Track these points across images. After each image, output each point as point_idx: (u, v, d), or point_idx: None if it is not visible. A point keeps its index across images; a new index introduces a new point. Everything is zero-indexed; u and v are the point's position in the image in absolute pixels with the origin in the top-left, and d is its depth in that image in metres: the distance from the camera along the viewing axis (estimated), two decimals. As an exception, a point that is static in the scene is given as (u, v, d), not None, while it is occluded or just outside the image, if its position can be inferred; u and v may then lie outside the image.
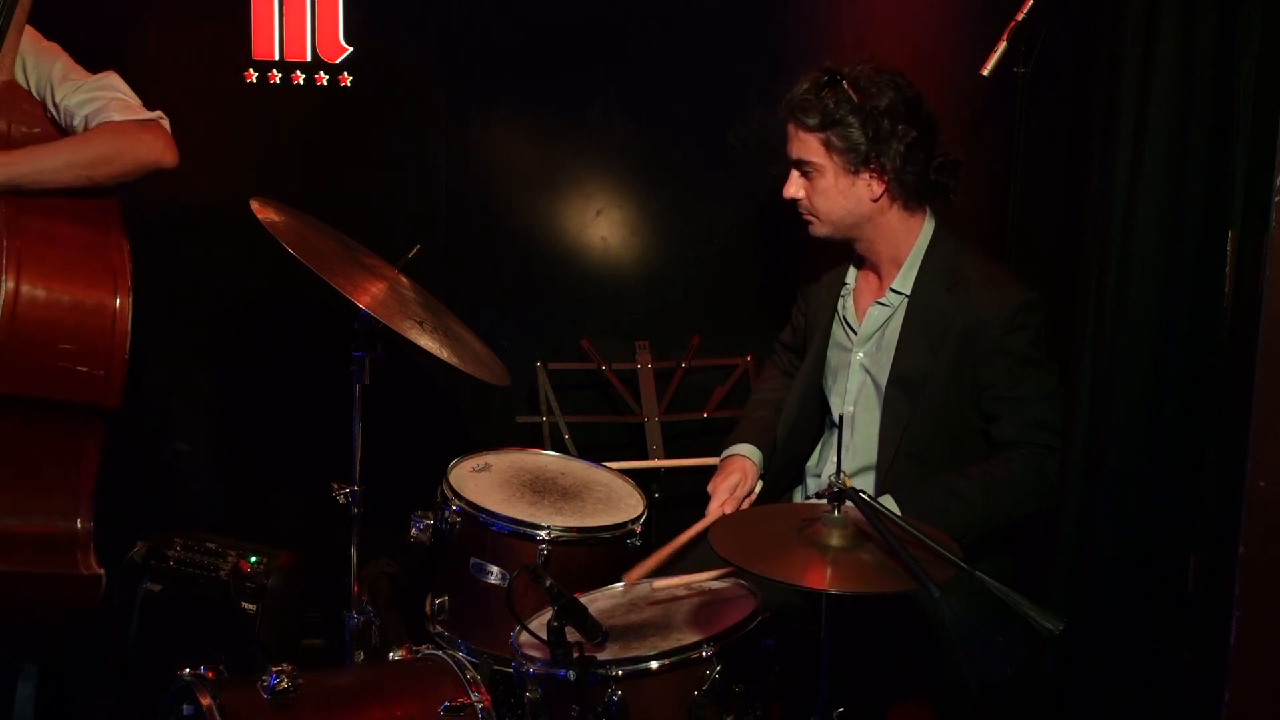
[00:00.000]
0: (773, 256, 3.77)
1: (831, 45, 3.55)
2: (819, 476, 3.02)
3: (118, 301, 2.77)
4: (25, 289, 2.69)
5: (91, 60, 3.57)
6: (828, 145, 2.78)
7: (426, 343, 2.87)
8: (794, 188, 2.86)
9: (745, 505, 2.95)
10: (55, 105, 2.90)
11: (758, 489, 3.02)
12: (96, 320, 2.75)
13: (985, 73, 3.18)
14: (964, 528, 2.47)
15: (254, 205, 2.89)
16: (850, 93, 2.75)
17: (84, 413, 2.79)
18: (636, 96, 3.76)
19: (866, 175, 2.79)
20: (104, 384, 2.76)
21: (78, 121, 2.87)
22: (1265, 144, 2.68)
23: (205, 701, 2.35)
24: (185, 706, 2.40)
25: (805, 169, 2.83)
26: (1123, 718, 3.16)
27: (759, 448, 3.05)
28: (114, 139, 2.84)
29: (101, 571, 2.83)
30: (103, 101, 2.87)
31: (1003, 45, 3.18)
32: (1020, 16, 3.16)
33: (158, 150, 2.88)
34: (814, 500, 2.84)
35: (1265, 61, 2.82)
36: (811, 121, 2.78)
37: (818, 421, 3.05)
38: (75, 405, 2.77)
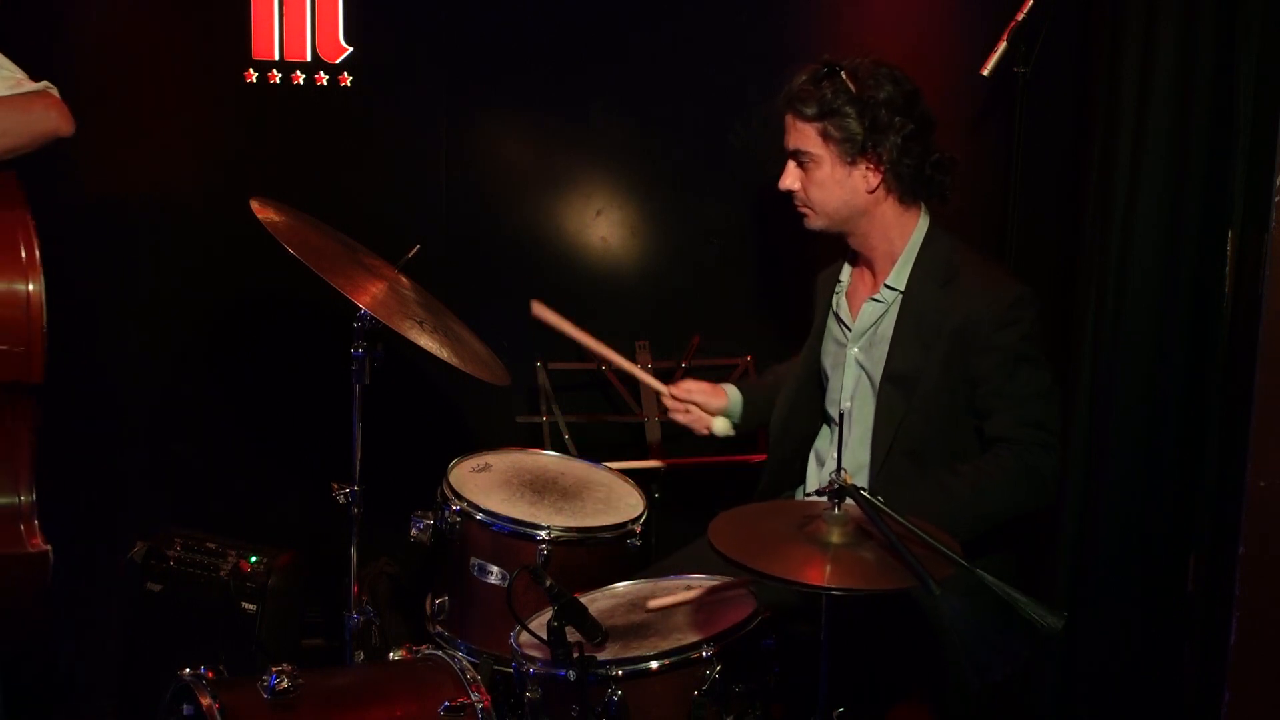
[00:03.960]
0: (773, 256, 3.77)
1: (831, 45, 3.54)
2: (822, 466, 3.03)
3: (29, 279, 2.75)
4: None
5: (92, 60, 3.59)
6: (825, 135, 2.78)
7: (426, 342, 2.87)
8: (790, 179, 2.86)
9: (692, 414, 3.11)
10: None
11: (716, 425, 3.10)
12: (9, 300, 2.73)
13: (985, 73, 3.19)
14: (955, 525, 2.46)
15: (254, 205, 2.89)
16: (849, 83, 2.76)
17: (9, 390, 2.77)
18: (636, 96, 3.76)
19: (863, 166, 2.79)
20: (25, 360, 2.74)
21: None
22: (1265, 144, 2.68)
23: (205, 701, 2.35)
24: (185, 706, 2.39)
25: (802, 159, 2.83)
26: (1123, 717, 3.17)
27: (742, 393, 3.17)
28: (4, 112, 2.81)
29: (48, 548, 2.79)
30: None
31: (1003, 45, 3.18)
32: (1020, 16, 3.17)
33: (52, 120, 2.85)
34: (814, 497, 2.84)
35: (1265, 61, 2.82)
36: (809, 111, 2.78)
37: (813, 418, 3.05)
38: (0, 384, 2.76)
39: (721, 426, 3.11)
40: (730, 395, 3.14)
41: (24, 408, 2.80)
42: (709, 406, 3.11)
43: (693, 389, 3.12)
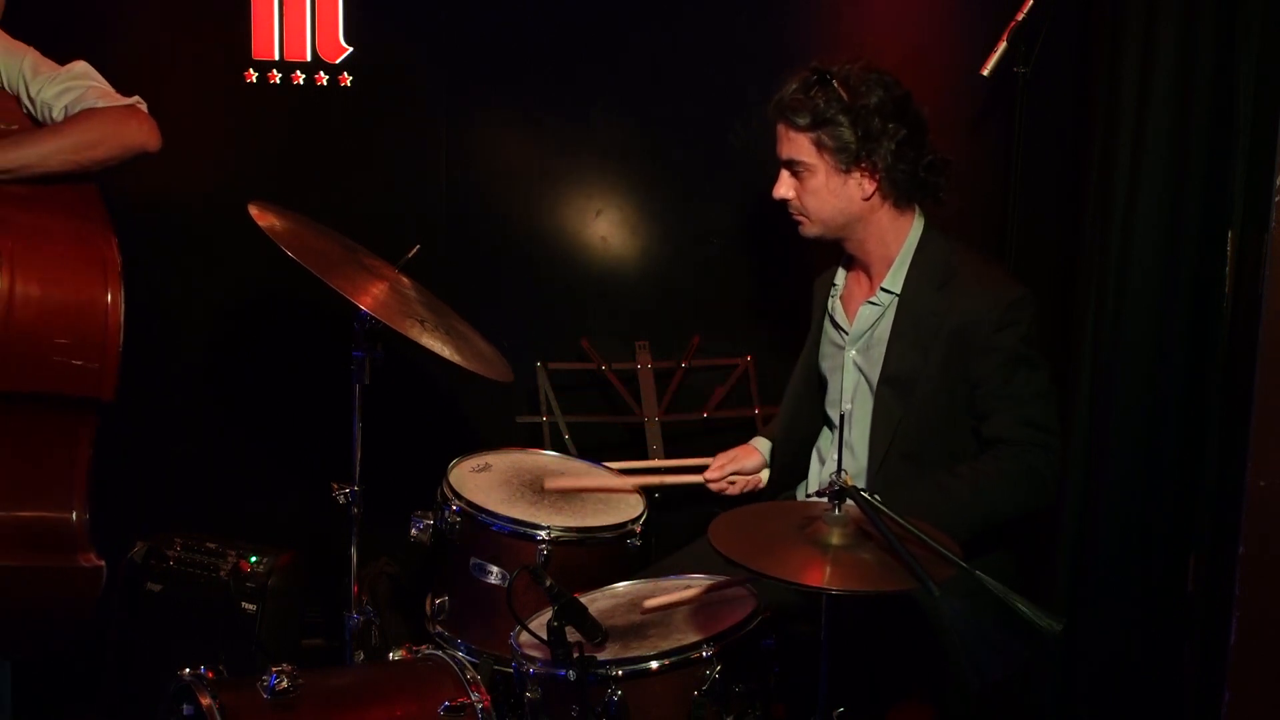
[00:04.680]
0: (772, 256, 3.77)
1: (831, 45, 3.56)
2: (824, 465, 3.03)
3: (109, 294, 2.74)
4: (19, 288, 2.68)
5: (93, 60, 3.58)
6: (818, 145, 2.78)
7: (429, 341, 2.87)
8: (784, 188, 2.86)
9: (738, 483, 3.10)
10: (31, 99, 2.88)
11: (764, 477, 3.11)
12: (90, 314, 2.73)
13: (985, 73, 3.19)
14: (955, 526, 2.47)
15: (253, 211, 2.86)
16: (840, 91, 2.75)
17: (78, 406, 2.77)
18: (636, 96, 3.76)
19: (857, 174, 2.79)
20: (99, 377, 2.74)
21: (56, 113, 2.86)
22: (1265, 144, 2.68)
23: (205, 701, 2.35)
24: (185, 706, 2.39)
25: (796, 169, 2.83)
26: (1123, 717, 3.17)
27: (768, 439, 3.15)
28: (99, 124, 2.83)
29: (102, 564, 2.81)
30: (80, 90, 2.86)
31: (1003, 45, 3.18)
32: (1020, 16, 3.17)
33: (143, 134, 2.88)
34: (814, 498, 2.85)
35: (1265, 61, 2.82)
36: (802, 121, 2.78)
37: (814, 420, 3.06)
38: (70, 399, 2.75)
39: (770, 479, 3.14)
40: (762, 449, 3.14)
41: (87, 425, 2.80)
42: (747, 469, 3.11)
43: (724, 463, 3.10)
